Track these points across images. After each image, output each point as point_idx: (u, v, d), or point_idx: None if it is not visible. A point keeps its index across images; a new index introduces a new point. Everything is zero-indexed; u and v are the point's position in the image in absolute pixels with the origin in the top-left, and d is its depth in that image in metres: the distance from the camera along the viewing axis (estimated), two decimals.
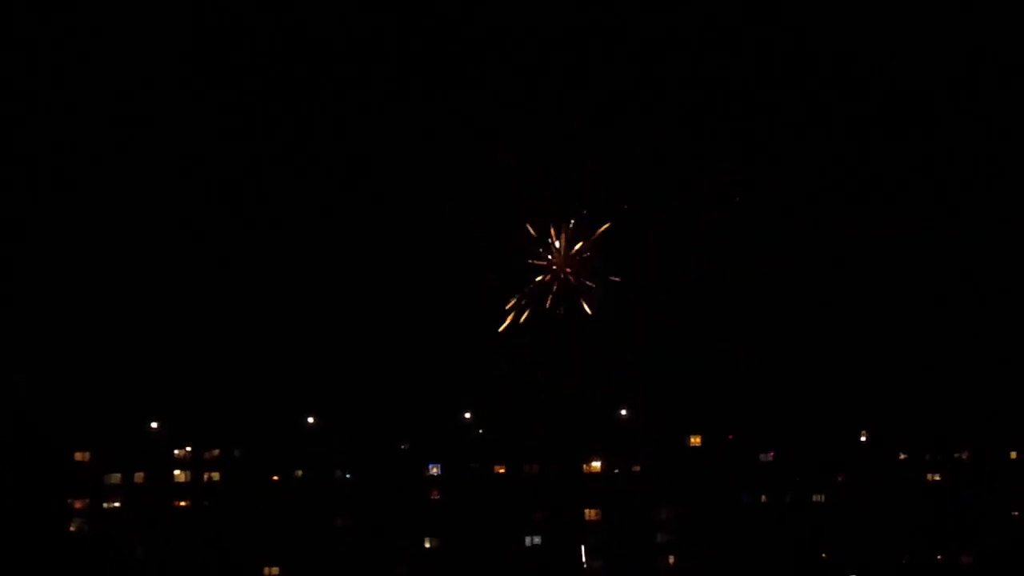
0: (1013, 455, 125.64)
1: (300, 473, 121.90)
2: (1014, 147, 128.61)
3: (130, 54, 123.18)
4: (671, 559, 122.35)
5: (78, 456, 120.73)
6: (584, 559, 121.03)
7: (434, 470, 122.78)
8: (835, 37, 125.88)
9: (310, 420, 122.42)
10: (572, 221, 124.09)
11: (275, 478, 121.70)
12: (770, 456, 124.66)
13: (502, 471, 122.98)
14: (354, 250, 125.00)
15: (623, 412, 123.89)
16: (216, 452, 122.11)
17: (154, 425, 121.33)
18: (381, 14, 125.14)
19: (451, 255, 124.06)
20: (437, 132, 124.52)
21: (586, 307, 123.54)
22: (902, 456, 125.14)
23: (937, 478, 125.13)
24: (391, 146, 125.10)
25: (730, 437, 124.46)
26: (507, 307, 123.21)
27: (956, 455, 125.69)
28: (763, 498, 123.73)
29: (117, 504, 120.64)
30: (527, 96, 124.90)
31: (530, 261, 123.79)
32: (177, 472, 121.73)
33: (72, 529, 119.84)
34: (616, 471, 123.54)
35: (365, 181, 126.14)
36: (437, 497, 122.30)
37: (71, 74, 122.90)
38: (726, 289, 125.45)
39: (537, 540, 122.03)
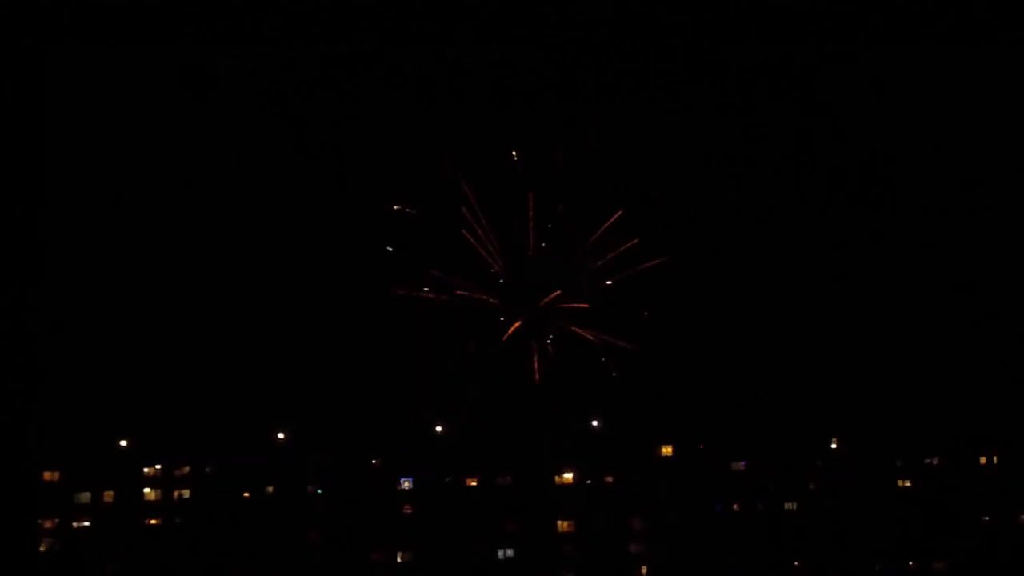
0: (983, 460, 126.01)
1: (271, 489, 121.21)
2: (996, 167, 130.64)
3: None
4: (644, 569, 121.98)
5: (47, 476, 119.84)
6: None
7: (406, 484, 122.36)
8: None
9: (280, 436, 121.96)
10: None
11: (246, 495, 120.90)
12: (742, 465, 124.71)
13: (474, 483, 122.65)
14: (326, 268, 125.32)
15: (595, 423, 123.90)
16: (186, 469, 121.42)
17: (124, 443, 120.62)
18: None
19: (424, 272, 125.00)
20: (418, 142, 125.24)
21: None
22: (873, 463, 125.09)
23: (908, 484, 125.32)
24: (367, 158, 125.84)
25: (700, 447, 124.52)
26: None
27: (927, 461, 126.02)
28: (735, 507, 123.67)
29: (87, 523, 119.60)
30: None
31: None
32: (147, 490, 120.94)
33: (42, 549, 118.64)
34: (588, 482, 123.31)
35: (337, 198, 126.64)
36: (409, 511, 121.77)
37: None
38: (699, 299, 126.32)
39: (510, 553, 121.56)
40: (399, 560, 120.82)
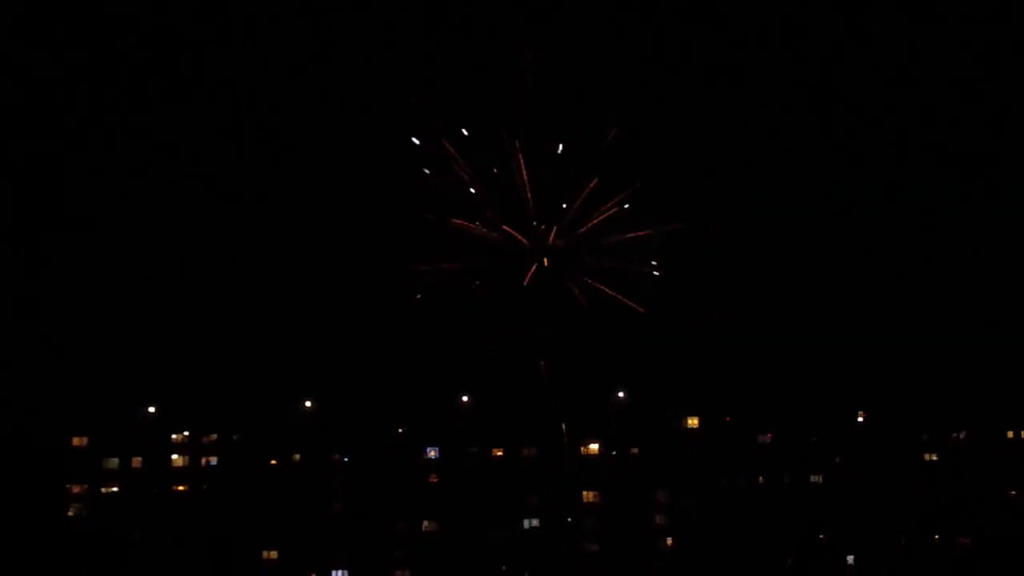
0: (1010, 435, 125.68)
1: (298, 457, 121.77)
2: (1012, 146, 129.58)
3: None
4: (668, 541, 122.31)
5: (76, 441, 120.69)
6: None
7: (432, 453, 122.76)
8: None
9: (308, 404, 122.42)
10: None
11: (273, 462, 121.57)
12: (768, 438, 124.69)
13: (500, 454, 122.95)
14: (348, 237, 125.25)
15: (620, 394, 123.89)
16: (214, 436, 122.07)
17: (152, 410, 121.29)
18: None
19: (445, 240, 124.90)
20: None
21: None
22: (899, 436, 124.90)
23: (934, 458, 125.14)
24: (377, 139, 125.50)
25: (727, 419, 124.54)
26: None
27: (953, 435, 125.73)
28: (761, 479, 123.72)
29: (115, 489, 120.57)
30: None
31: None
32: (175, 457, 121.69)
33: (70, 514, 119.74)
34: (614, 453, 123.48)
35: (351, 172, 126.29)
36: (435, 480, 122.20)
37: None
38: (726, 272, 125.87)
39: (535, 523, 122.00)
40: (424, 528, 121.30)
